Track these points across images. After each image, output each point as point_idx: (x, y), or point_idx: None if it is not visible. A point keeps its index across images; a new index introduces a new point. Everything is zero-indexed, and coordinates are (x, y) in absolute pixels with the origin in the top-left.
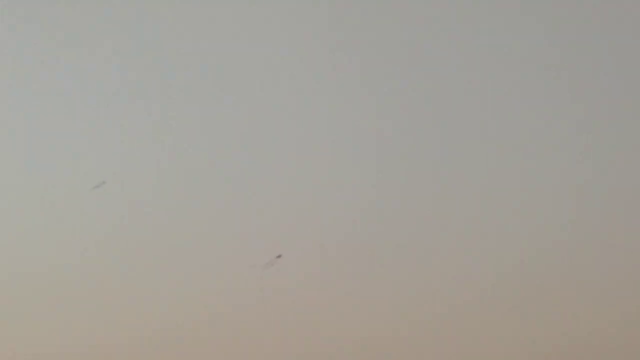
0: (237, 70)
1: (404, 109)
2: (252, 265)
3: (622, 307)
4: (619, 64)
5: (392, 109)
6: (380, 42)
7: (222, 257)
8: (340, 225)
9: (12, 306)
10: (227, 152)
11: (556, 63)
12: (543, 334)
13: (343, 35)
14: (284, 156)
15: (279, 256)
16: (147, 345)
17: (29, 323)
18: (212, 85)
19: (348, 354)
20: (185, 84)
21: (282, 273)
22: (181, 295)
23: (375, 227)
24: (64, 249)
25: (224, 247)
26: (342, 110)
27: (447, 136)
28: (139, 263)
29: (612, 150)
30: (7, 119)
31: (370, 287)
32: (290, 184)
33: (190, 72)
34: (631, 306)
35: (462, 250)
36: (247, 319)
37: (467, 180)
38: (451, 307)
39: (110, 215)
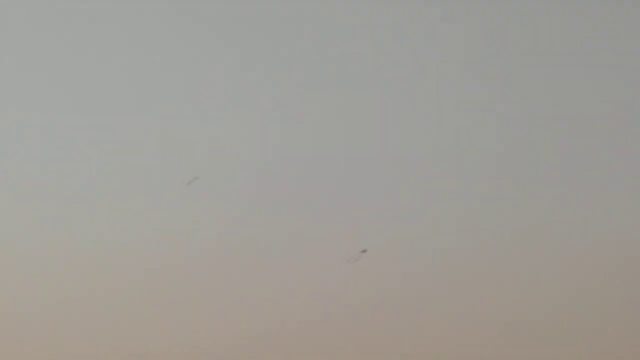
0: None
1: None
2: (335, 260)
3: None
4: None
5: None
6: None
7: (308, 253)
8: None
9: (104, 300)
10: (314, 150)
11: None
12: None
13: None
14: (377, 155)
15: (364, 251)
16: (233, 341)
17: (119, 319)
18: (303, 85)
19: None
20: (274, 85)
21: (365, 267)
22: (269, 292)
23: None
24: (158, 245)
25: (309, 243)
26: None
27: None
28: (227, 259)
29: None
30: (101, 115)
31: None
32: (379, 180)
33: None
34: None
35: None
36: (334, 313)
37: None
38: None
39: (202, 211)
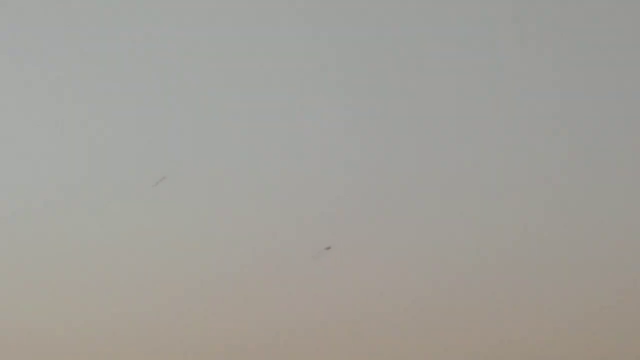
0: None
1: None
2: (301, 257)
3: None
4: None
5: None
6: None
7: (274, 250)
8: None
9: (76, 303)
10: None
11: None
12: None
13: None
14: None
15: (328, 248)
16: (207, 341)
17: (92, 320)
18: (277, 87)
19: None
20: (244, 83)
21: (329, 261)
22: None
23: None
24: (127, 248)
25: (276, 240)
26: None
27: None
28: (199, 258)
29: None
30: (66, 117)
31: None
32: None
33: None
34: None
35: None
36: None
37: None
38: None
39: (171, 212)
